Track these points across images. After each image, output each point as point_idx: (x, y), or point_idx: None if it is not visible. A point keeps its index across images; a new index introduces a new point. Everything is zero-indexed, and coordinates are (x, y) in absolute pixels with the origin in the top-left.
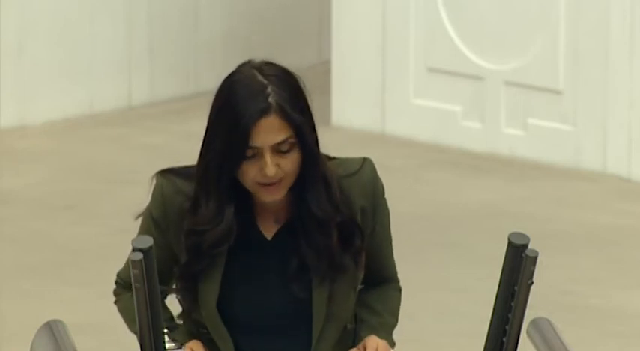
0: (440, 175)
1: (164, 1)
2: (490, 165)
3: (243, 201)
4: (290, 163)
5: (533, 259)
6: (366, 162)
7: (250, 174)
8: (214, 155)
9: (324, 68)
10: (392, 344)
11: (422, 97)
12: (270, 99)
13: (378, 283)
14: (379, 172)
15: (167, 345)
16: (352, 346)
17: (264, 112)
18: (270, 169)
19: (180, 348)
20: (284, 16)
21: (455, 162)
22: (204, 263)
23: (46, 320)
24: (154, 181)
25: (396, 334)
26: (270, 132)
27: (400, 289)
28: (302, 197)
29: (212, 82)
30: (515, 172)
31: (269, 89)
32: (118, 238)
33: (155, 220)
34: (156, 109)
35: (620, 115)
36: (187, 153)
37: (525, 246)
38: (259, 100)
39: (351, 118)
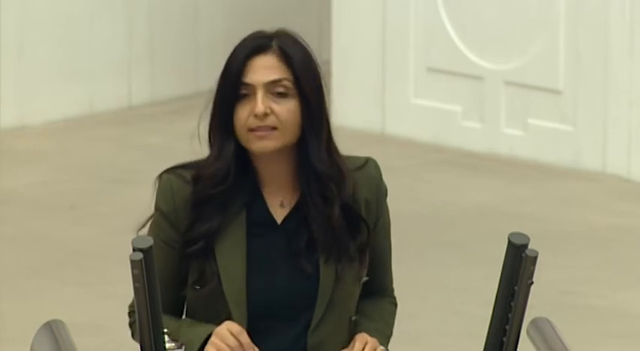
0: (440, 175)
1: (164, 1)
2: (490, 165)
3: (253, 185)
4: (285, 110)
5: (533, 259)
6: (370, 160)
7: (242, 117)
8: (216, 98)
9: (324, 68)
10: None
11: (422, 97)
12: (273, 42)
13: (374, 293)
14: None
15: (167, 345)
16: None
17: (262, 48)
18: (259, 106)
19: (181, 348)
20: (284, 16)
21: (455, 162)
22: (211, 226)
23: (46, 320)
24: (160, 181)
25: (397, 334)
26: (264, 69)
27: (396, 305)
28: (306, 163)
29: (212, 82)
30: (515, 172)
31: (274, 38)
32: (118, 238)
33: (165, 214)
34: (156, 109)
35: (620, 115)
36: (187, 153)
37: (525, 246)
38: (260, 41)
39: (351, 118)
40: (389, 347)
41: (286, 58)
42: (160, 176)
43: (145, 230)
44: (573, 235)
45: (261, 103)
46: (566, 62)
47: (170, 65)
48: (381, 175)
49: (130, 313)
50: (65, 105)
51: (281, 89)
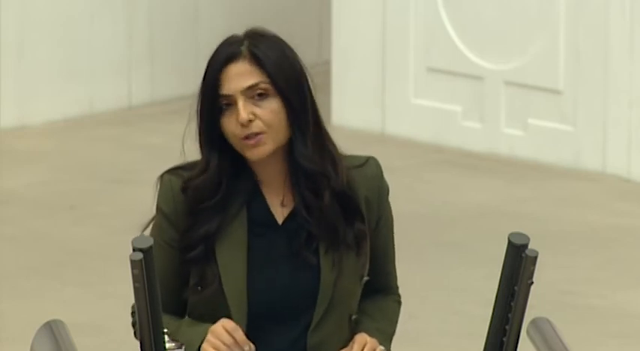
0: (440, 175)
1: (164, 1)
2: (490, 165)
3: (252, 185)
4: (268, 112)
5: (533, 259)
6: (371, 158)
7: (230, 128)
8: (198, 112)
9: (324, 68)
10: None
11: (422, 97)
12: (242, 48)
13: (378, 292)
14: None
15: (167, 345)
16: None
17: (233, 57)
18: (242, 115)
19: (181, 348)
20: (284, 16)
21: (455, 162)
22: (210, 229)
23: (46, 320)
24: (161, 181)
25: (397, 334)
26: (239, 77)
27: (400, 303)
28: (295, 160)
29: None
30: (515, 172)
31: (244, 42)
32: (118, 238)
33: (166, 215)
34: (156, 109)
35: (620, 115)
36: (187, 153)
37: (525, 246)
38: (230, 49)
39: (351, 118)
40: (392, 346)
41: (257, 60)
42: (162, 177)
43: (149, 231)
44: (573, 235)
45: (243, 111)
46: (566, 62)
47: (170, 65)
48: (382, 173)
49: (133, 314)
50: (65, 105)
51: (260, 91)
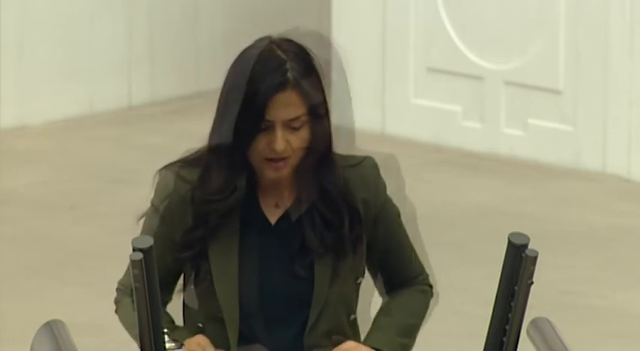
0: (440, 175)
1: (164, 1)
2: (490, 165)
3: (248, 185)
4: (300, 140)
5: (533, 259)
6: (367, 158)
7: (259, 147)
8: (229, 127)
9: (324, 68)
10: (399, 346)
11: (422, 97)
12: (289, 74)
13: (402, 285)
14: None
15: (167, 345)
16: (353, 337)
17: (282, 86)
18: (279, 144)
19: (181, 348)
20: (284, 16)
21: (455, 162)
22: (207, 231)
23: (46, 320)
24: (158, 176)
25: None
26: (285, 107)
27: (425, 291)
28: (308, 177)
29: (212, 82)
30: (515, 172)
31: (288, 65)
32: (118, 238)
33: (159, 211)
34: (156, 109)
35: (620, 115)
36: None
37: (525, 246)
38: (278, 75)
39: None
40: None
41: (302, 93)
42: (159, 172)
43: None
44: (573, 235)
45: (281, 140)
46: (566, 62)
47: (170, 65)
48: (378, 172)
49: (118, 290)
50: (65, 105)
51: (298, 125)
